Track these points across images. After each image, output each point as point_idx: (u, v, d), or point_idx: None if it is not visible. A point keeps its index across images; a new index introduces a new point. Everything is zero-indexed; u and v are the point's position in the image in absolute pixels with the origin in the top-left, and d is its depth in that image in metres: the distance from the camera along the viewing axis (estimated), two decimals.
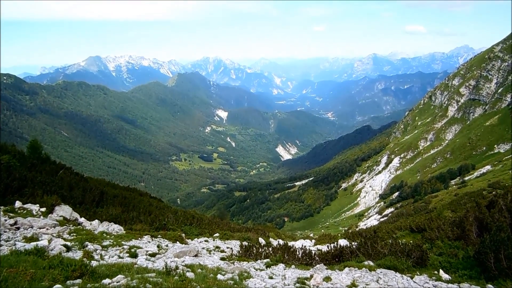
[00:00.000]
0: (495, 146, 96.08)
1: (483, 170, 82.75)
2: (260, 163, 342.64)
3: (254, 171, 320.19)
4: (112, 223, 15.41)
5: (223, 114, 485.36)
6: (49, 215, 13.19)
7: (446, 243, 12.55)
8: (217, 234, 19.15)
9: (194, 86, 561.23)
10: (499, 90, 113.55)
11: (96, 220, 14.83)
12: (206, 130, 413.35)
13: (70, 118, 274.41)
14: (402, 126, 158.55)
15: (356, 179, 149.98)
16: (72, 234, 11.33)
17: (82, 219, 14.54)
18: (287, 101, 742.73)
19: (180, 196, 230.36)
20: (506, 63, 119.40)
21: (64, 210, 13.91)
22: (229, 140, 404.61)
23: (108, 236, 12.35)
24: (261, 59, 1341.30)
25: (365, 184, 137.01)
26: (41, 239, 9.44)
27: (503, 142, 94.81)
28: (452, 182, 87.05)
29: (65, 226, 12.03)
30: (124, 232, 14.43)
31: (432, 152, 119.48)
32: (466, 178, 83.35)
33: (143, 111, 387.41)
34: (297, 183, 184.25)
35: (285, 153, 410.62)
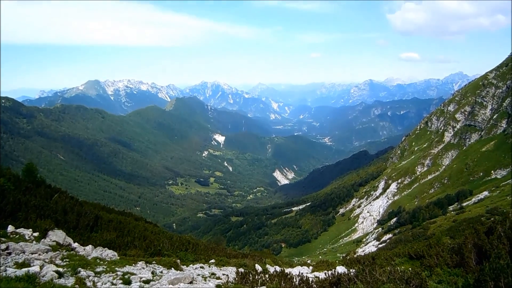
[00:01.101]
0: (492, 171, 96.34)
1: (481, 196, 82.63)
2: (257, 188, 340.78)
3: (251, 196, 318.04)
4: (106, 248, 15.14)
5: (220, 138, 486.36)
6: (42, 240, 12.96)
7: (446, 270, 12.37)
8: (213, 260, 18.83)
9: (191, 111, 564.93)
10: (494, 116, 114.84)
11: (90, 246, 14.57)
12: (203, 154, 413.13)
13: (67, 141, 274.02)
14: (399, 152, 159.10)
15: (353, 205, 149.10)
16: (64, 260, 11.10)
17: (75, 244, 14.29)
18: (285, 126, 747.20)
19: (176, 220, 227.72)
20: (500, 90, 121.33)
21: (57, 235, 13.68)
22: (226, 164, 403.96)
23: (102, 262, 12.11)
24: (259, 84, 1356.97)
25: (363, 209, 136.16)
26: (33, 265, 9.24)
27: (500, 168, 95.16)
28: (450, 208, 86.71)
29: (57, 252, 11.80)
30: (118, 257, 14.16)
31: (429, 177, 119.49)
32: (464, 204, 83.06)
33: (140, 134, 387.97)
34: (294, 208, 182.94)
35: (282, 178, 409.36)
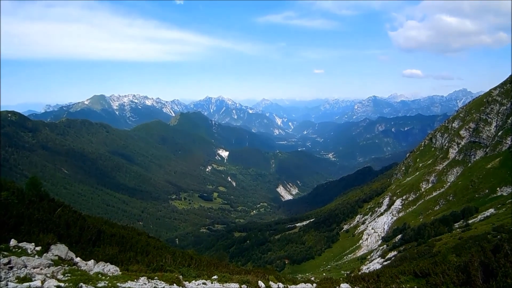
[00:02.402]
0: (498, 189, 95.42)
1: (487, 213, 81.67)
2: (261, 203, 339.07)
3: (254, 211, 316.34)
4: (108, 263, 15.03)
5: (224, 153, 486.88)
6: (44, 254, 12.90)
7: None
8: (215, 277, 18.60)
9: (196, 126, 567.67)
10: (499, 133, 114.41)
11: (92, 260, 14.47)
12: (207, 169, 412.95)
13: (71, 155, 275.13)
14: (403, 168, 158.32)
15: (358, 221, 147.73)
16: (66, 275, 11.02)
17: (77, 259, 14.20)
18: (288, 141, 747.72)
19: (178, 235, 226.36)
20: (505, 107, 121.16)
21: (59, 249, 13.62)
22: (229, 179, 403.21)
23: (104, 277, 12.00)
24: (263, 100, 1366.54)
25: (367, 226, 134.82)
26: (34, 280, 9.18)
27: (506, 185, 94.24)
28: (456, 225, 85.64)
29: (59, 266, 11.73)
30: (120, 273, 14.04)
31: (434, 194, 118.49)
32: (470, 221, 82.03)
33: (144, 149, 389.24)
34: (298, 224, 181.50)
35: (286, 193, 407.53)
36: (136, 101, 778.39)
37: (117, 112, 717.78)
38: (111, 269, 14.22)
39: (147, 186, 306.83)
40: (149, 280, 13.62)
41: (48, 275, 10.41)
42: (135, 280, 12.96)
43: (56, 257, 12.99)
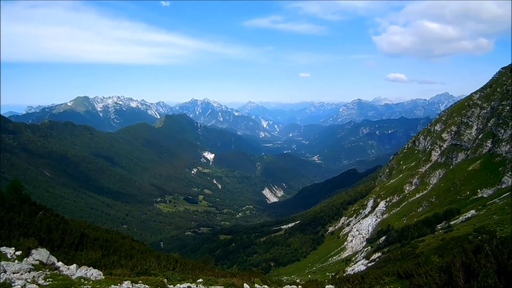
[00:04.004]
0: (479, 190, 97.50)
1: (468, 214, 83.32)
2: (246, 206, 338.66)
3: (240, 214, 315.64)
4: (91, 267, 14.79)
5: (210, 156, 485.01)
6: (25, 259, 12.63)
7: None
8: (200, 280, 18.49)
9: (181, 128, 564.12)
10: (480, 136, 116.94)
11: (74, 265, 14.23)
12: (193, 172, 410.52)
13: (53, 158, 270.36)
14: (387, 170, 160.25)
15: (343, 223, 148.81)
16: (47, 280, 10.81)
17: (59, 264, 13.94)
18: (274, 144, 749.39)
19: (163, 239, 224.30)
20: (485, 110, 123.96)
21: (40, 254, 13.35)
22: (215, 182, 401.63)
23: (86, 282, 11.82)
24: (249, 102, 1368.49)
25: (352, 228, 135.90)
26: (14, 285, 8.98)
27: (486, 187, 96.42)
28: (438, 226, 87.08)
29: (40, 271, 11.50)
30: (104, 277, 13.84)
31: (417, 196, 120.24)
32: (452, 223, 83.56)
33: (129, 152, 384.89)
34: (284, 227, 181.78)
35: (272, 196, 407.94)
36: (120, 103, 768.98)
37: (101, 114, 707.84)
38: (94, 273, 14.01)
39: (132, 189, 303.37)
40: (133, 284, 13.47)
41: (29, 280, 10.20)
42: (119, 284, 12.80)
43: (37, 262, 12.73)
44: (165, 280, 16.17)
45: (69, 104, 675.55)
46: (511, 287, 9.32)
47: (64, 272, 13.09)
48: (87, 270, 14.29)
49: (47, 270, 12.29)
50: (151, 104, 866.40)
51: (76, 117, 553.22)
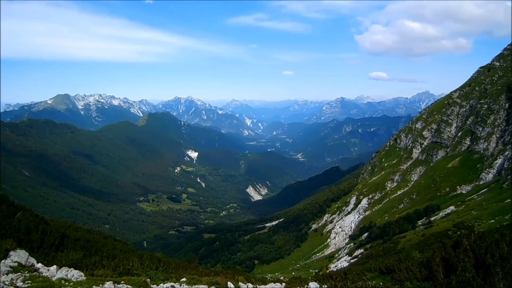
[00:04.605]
0: (458, 187, 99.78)
1: (448, 210, 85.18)
2: (230, 204, 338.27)
3: (224, 212, 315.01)
4: (72, 268, 14.55)
5: (193, 154, 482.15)
6: (3, 261, 12.34)
7: (415, 284, 12.59)
8: (184, 279, 18.40)
9: (164, 126, 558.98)
10: (459, 134, 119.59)
11: (55, 266, 13.98)
12: (176, 171, 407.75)
13: (33, 157, 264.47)
14: (369, 168, 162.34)
15: (326, 220, 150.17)
16: (26, 282, 10.59)
17: (39, 265, 13.67)
18: (258, 142, 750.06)
19: (147, 238, 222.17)
20: (464, 109, 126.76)
21: (19, 256, 13.06)
22: (199, 180, 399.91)
23: (67, 283, 11.63)
24: (233, 100, 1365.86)
25: (335, 225, 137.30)
26: None
27: (465, 184, 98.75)
28: (419, 222, 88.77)
29: (19, 273, 11.26)
30: (85, 278, 13.64)
31: (399, 193, 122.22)
32: (432, 219, 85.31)
33: (111, 150, 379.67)
34: (268, 225, 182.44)
35: (256, 194, 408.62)
36: (102, 101, 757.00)
37: (82, 112, 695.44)
38: (75, 274, 13.80)
39: (114, 188, 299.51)
40: (115, 284, 13.32)
41: (7, 282, 9.98)
42: (100, 285, 12.64)
43: (16, 264, 12.46)
44: (148, 280, 16.05)
45: (49, 102, 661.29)
46: (488, 280, 9.58)
47: (44, 274, 12.86)
48: (68, 271, 14.07)
49: (26, 272, 12.06)
50: (134, 102, 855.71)
51: (57, 115, 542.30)
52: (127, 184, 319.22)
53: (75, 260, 16.96)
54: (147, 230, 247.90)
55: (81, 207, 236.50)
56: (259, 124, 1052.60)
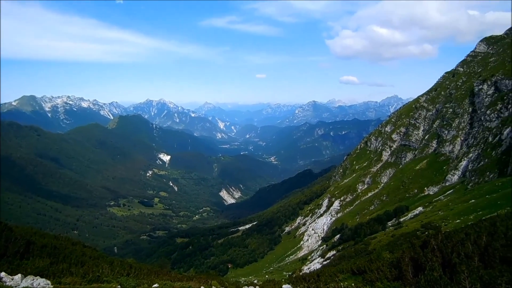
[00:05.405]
0: (425, 188, 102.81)
1: (416, 211, 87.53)
2: (204, 208, 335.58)
3: (197, 216, 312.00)
4: (38, 277, 14.03)
5: (165, 157, 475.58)
6: None
7: (386, 284, 12.86)
8: (156, 285, 18.09)
9: (136, 129, 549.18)
10: (426, 137, 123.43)
11: (19, 275, 13.43)
12: (148, 174, 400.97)
13: None
14: (341, 170, 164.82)
15: (299, 223, 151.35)
16: None
17: (2, 274, 13.11)
18: (231, 145, 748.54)
19: (117, 244, 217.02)
20: (431, 112, 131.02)
21: None
22: (171, 184, 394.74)
23: None
24: (205, 103, 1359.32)
25: (308, 227, 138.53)
26: None
27: (432, 185, 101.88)
28: (389, 223, 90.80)
29: None
30: (52, 286, 13.19)
31: (369, 195, 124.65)
32: (402, 220, 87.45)
33: (80, 153, 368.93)
34: (241, 228, 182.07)
35: (229, 197, 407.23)
36: (71, 102, 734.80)
37: (49, 115, 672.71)
38: (41, 283, 13.32)
39: (83, 192, 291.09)
40: None
41: None
42: None
43: None
44: (119, 286, 15.70)
45: (14, 103, 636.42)
46: (455, 278, 9.89)
47: (7, 283, 12.36)
48: (33, 279, 13.58)
49: None
50: (104, 104, 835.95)
51: (22, 117, 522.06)
52: (96, 188, 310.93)
53: (42, 268, 16.38)
54: (117, 235, 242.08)
55: (48, 213, 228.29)
56: (232, 127, 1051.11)
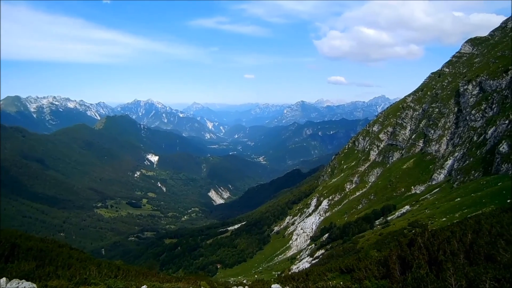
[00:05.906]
0: (412, 187, 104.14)
1: (403, 210, 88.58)
2: (192, 208, 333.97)
3: (186, 217, 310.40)
4: (23, 280, 13.82)
5: (154, 158, 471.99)
6: None
7: (374, 282, 12.98)
8: (144, 287, 17.97)
9: (123, 130, 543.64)
10: (413, 137, 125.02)
11: (4, 278, 13.21)
12: (136, 175, 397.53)
13: None
14: (329, 170, 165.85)
15: (288, 222, 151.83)
16: None
17: None
18: (220, 146, 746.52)
19: (105, 246, 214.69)
20: (417, 112, 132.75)
21: None
22: (159, 185, 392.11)
23: None
24: (194, 104, 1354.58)
25: (297, 227, 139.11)
26: None
27: (419, 184, 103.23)
28: (377, 222, 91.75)
29: None
30: None
31: (357, 194, 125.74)
32: (389, 218, 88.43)
33: (66, 155, 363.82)
34: (230, 228, 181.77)
35: (218, 198, 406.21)
36: (57, 103, 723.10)
37: (35, 115, 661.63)
38: (27, 286, 13.12)
39: (70, 194, 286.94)
40: None
41: None
42: None
43: None
44: None
45: None
46: (441, 276, 10.03)
47: None
48: (18, 283, 13.37)
49: None
50: (91, 104, 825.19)
51: (6, 118, 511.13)
52: (83, 190, 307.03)
53: (27, 271, 16.12)
54: (105, 237, 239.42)
55: (33, 215, 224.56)
56: (221, 128, 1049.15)
